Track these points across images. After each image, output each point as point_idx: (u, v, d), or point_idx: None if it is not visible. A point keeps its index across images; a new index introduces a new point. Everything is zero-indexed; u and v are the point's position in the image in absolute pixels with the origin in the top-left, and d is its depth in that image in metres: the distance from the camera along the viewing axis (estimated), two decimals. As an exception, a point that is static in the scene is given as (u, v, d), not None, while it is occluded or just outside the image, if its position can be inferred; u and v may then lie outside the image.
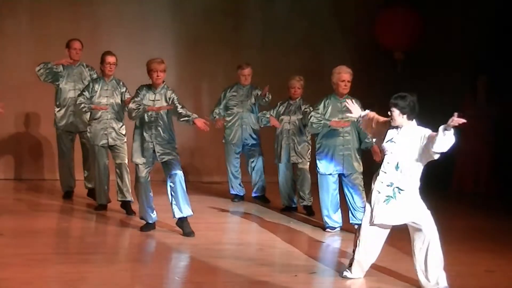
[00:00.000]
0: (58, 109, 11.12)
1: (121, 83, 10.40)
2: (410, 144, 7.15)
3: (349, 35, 14.38)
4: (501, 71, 13.12)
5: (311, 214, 10.80)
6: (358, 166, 9.61)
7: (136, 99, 9.14)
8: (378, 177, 7.29)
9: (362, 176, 9.65)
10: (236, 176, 11.72)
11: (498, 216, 11.44)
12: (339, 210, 9.80)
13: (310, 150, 10.82)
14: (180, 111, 9.14)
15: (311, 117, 9.61)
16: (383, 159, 7.31)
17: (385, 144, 7.27)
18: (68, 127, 11.14)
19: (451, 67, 13.46)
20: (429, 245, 7.15)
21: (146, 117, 9.15)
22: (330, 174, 9.65)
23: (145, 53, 11.22)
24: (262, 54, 13.84)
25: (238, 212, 11.13)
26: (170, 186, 9.18)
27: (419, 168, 7.19)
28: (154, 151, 9.14)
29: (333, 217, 9.77)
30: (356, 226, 9.49)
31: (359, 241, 7.42)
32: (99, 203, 10.52)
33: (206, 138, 12.13)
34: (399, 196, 7.19)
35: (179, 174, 9.14)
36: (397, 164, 7.17)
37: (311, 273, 7.82)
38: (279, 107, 10.98)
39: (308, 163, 10.86)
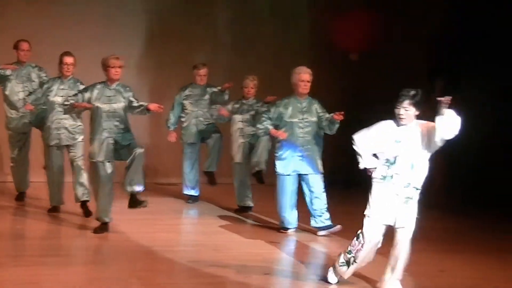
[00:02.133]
0: (9, 110, 11.04)
1: (78, 83, 10.28)
2: (421, 141, 7.03)
3: (305, 37, 14.49)
4: (458, 73, 13.30)
5: (262, 181, 10.71)
6: (319, 167, 9.65)
7: (81, 94, 9.22)
8: (390, 180, 7.05)
9: (323, 177, 9.69)
10: (192, 177, 11.72)
11: (450, 216, 11.62)
12: (296, 211, 9.82)
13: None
14: (134, 105, 9.22)
15: (260, 119, 9.67)
16: (390, 161, 7.08)
17: (392, 146, 7.07)
18: (20, 128, 11.06)
19: (407, 69, 13.58)
20: (405, 244, 7.16)
21: (103, 113, 9.15)
22: (288, 175, 9.67)
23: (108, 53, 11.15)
24: (218, 53, 13.91)
25: (194, 213, 11.15)
26: (129, 162, 9.11)
27: (428, 164, 7.10)
28: (114, 145, 9.14)
29: (289, 218, 9.79)
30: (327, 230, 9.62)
31: (362, 244, 7.17)
32: (52, 204, 10.44)
33: (163, 138, 12.09)
34: (415, 196, 7.09)
35: (141, 151, 9.10)
36: (412, 164, 7.01)
37: (266, 274, 7.85)
38: (233, 105, 11.06)
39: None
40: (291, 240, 9.63)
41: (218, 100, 11.48)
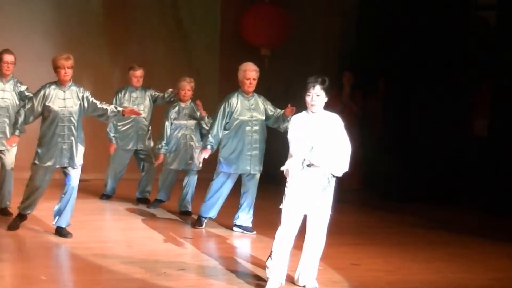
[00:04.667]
0: None
1: (18, 83, 9.87)
2: (332, 130, 7.05)
3: (217, 31, 14.50)
4: (364, 66, 13.48)
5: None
6: (261, 167, 9.50)
7: (33, 99, 8.80)
8: (307, 169, 6.99)
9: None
10: (118, 178, 11.46)
11: (363, 210, 11.77)
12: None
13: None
14: (104, 107, 8.89)
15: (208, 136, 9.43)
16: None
17: (306, 135, 7.02)
18: None
19: (316, 63, 13.71)
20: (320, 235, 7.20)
21: (57, 117, 8.74)
22: (230, 173, 9.49)
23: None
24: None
25: (107, 210, 11.02)
26: (63, 193, 8.92)
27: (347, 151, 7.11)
28: (63, 152, 8.76)
29: (212, 211, 9.67)
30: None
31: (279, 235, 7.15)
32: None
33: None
34: (332, 184, 7.09)
35: (74, 187, 8.89)
36: (327, 151, 6.99)
37: (180, 270, 7.80)
38: (170, 113, 10.58)
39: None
40: (204, 235, 9.59)
41: (160, 102, 11.16)
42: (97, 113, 8.94)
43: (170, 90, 11.05)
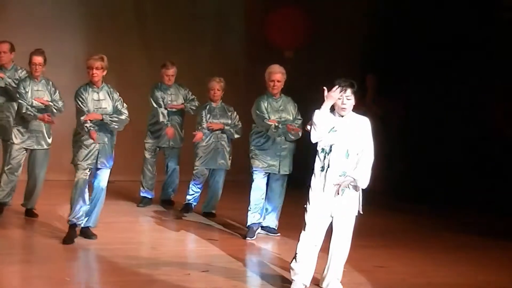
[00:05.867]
0: None
1: (50, 83, 9.88)
2: (355, 132, 7.02)
3: (240, 34, 14.52)
4: (388, 69, 13.43)
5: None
6: (290, 168, 9.45)
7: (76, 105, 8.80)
8: (329, 170, 6.98)
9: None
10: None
11: (387, 213, 11.72)
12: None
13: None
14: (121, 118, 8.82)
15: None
16: (325, 150, 7.03)
17: (328, 135, 6.99)
18: None
19: (340, 65, 13.67)
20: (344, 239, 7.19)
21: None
22: (263, 173, 9.46)
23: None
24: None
25: (132, 212, 11.02)
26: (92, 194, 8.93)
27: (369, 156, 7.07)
28: (96, 153, 8.72)
29: (256, 216, 9.54)
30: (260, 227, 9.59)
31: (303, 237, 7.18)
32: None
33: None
34: (352, 187, 7.06)
35: (103, 188, 8.92)
36: (347, 153, 6.98)
37: (204, 271, 7.82)
38: (202, 113, 10.55)
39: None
40: (229, 237, 9.60)
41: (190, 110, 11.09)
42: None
43: (197, 104, 11.04)
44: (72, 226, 8.84)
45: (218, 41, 14.44)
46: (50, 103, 9.74)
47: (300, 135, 9.30)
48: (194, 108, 11.02)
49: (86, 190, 8.77)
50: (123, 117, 8.81)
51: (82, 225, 8.99)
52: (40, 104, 9.69)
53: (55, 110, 9.75)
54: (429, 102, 12.52)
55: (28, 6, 13.29)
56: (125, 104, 8.88)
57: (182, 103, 11.07)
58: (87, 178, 8.77)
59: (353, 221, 7.16)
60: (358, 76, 13.58)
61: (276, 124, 9.33)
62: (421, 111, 12.71)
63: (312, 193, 7.10)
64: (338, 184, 6.96)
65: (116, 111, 8.81)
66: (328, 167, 7.00)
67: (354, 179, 6.95)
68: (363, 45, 13.98)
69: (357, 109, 7.16)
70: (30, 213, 10.03)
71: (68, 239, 8.73)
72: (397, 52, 13.18)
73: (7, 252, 8.43)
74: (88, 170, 8.74)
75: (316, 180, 7.08)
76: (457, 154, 12.25)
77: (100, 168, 8.83)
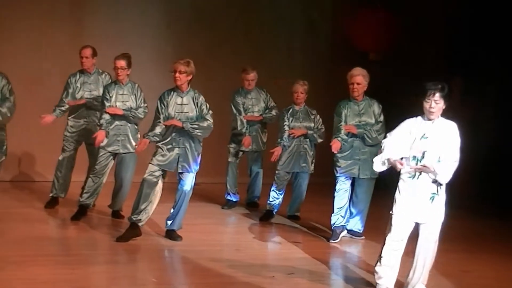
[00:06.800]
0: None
1: (136, 86, 9.92)
2: (445, 136, 6.93)
3: (325, 37, 14.50)
4: (475, 73, 13.22)
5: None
6: (372, 171, 9.11)
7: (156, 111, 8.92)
8: (420, 178, 6.93)
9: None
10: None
11: (475, 217, 11.53)
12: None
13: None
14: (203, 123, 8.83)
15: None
16: (417, 158, 6.95)
17: (419, 142, 6.94)
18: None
19: (425, 67, 13.52)
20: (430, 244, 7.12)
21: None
22: (344, 176, 9.45)
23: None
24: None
25: (217, 214, 11.07)
26: (176, 197, 9.06)
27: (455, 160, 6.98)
28: (177, 157, 8.83)
29: (339, 219, 9.49)
30: (345, 230, 9.55)
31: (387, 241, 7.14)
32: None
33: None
34: (441, 192, 7.01)
35: (187, 191, 9.01)
36: (439, 159, 6.88)
37: (289, 274, 7.81)
38: (285, 116, 10.48)
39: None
40: (313, 240, 9.57)
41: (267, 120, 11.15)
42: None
43: (275, 113, 11.05)
44: (133, 224, 8.94)
45: (304, 44, 14.43)
46: (126, 111, 9.74)
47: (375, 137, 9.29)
48: (273, 117, 11.05)
49: (151, 191, 8.86)
50: (205, 124, 8.80)
51: (168, 228, 9.08)
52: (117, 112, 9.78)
53: (131, 118, 9.81)
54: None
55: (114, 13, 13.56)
56: (210, 111, 8.88)
57: (261, 114, 11.09)
58: (153, 179, 8.85)
59: (439, 226, 7.06)
60: (445, 78, 13.45)
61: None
62: (510, 112, 12.45)
63: (399, 197, 7.03)
64: (419, 168, 6.87)
65: (200, 117, 8.86)
66: (420, 174, 6.93)
67: (436, 172, 6.85)
68: (448, 46, 13.78)
69: (444, 113, 7.06)
70: (116, 215, 10.18)
71: (122, 237, 8.89)
72: (484, 53, 12.96)
73: (93, 253, 8.58)
74: (157, 172, 8.85)
75: (405, 185, 7.01)
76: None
77: (182, 172, 8.91)
